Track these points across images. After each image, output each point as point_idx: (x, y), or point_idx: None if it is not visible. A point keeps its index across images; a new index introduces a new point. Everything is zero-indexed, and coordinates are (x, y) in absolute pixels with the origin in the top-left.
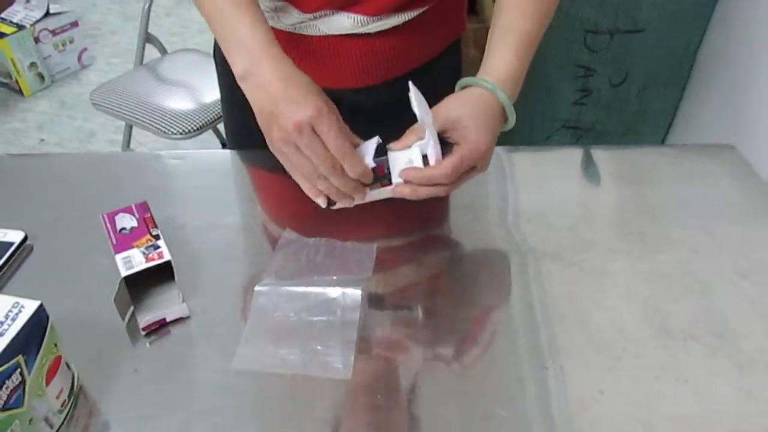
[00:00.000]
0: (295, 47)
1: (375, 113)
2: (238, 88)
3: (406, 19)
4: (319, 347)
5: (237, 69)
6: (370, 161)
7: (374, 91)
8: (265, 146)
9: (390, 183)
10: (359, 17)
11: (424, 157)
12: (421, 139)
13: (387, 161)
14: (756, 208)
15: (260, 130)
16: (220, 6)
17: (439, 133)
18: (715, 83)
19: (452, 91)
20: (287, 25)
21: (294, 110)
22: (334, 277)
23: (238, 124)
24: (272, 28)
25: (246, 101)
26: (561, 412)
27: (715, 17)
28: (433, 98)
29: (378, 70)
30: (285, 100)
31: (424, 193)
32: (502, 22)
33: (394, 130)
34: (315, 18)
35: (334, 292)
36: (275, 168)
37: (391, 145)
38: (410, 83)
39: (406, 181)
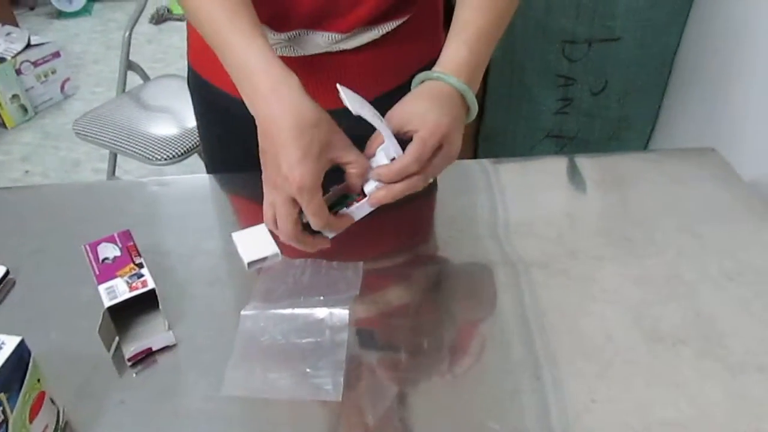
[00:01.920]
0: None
1: (351, 135)
2: (214, 117)
3: (380, 34)
4: (308, 370)
5: (242, 94)
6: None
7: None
8: (244, 171)
9: (364, 196)
10: (332, 35)
11: (392, 160)
12: (382, 143)
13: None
14: (739, 209)
15: (239, 157)
16: (217, 30)
17: (400, 131)
18: (694, 87)
19: None
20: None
21: (296, 173)
22: (321, 298)
23: (216, 153)
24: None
25: (223, 129)
26: (554, 423)
27: (690, 23)
28: None
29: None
30: (272, 157)
31: (399, 189)
32: (457, 20)
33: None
34: (289, 39)
35: (322, 312)
36: (257, 192)
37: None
38: (338, 85)
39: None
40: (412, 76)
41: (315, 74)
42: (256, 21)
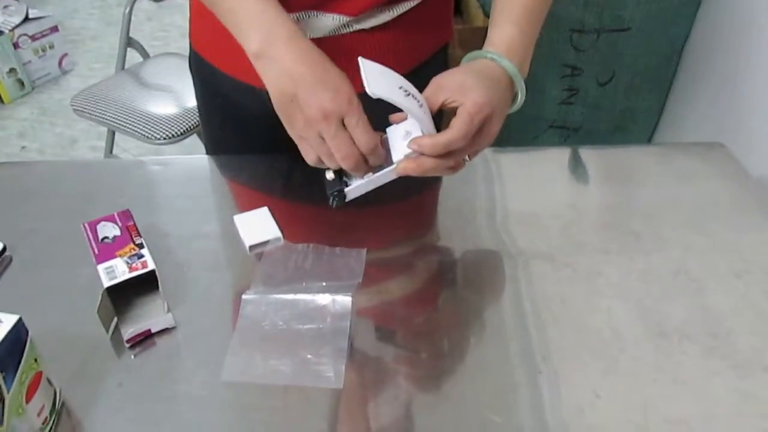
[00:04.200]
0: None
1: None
2: (214, 98)
3: (393, 16)
4: (309, 356)
5: (250, 47)
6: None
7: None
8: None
9: (391, 162)
10: (341, 17)
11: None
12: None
13: (387, 140)
14: (747, 206)
15: (239, 141)
16: None
17: (443, 101)
18: (702, 81)
19: None
20: None
21: (322, 98)
22: (323, 284)
23: (217, 135)
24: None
25: (224, 113)
26: (557, 417)
27: (701, 14)
28: None
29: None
30: (311, 86)
31: (431, 165)
32: (499, 2)
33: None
34: (298, 20)
35: (324, 299)
36: (257, 175)
37: (391, 118)
38: (360, 58)
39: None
40: (425, 61)
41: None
42: None
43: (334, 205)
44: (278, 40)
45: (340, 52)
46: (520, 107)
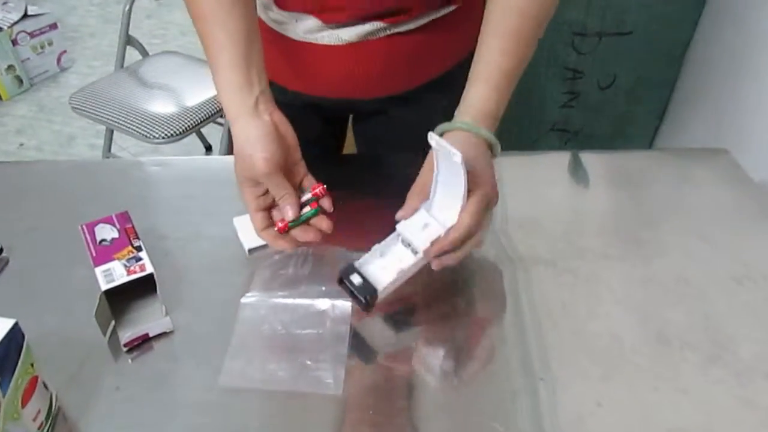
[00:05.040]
0: (279, 49)
1: (367, 125)
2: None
3: (424, 21)
4: (308, 362)
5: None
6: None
7: (373, 104)
8: None
9: (416, 252)
10: (378, 23)
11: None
12: (426, 199)
13: (400, 237)
14: (750, 212)
15: None
16: (206, 45)
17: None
18: (704, 86)
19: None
20: (271, 20)
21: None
22: (323, 288)
23: None
24: (260, 22)
25: None
26: (557, 425)
27: (703, 19)
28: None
29: (366, 85)
30: (240, 168)
31: (461, 254)
32: (481, 59)
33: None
34: (293, 17)
35: (323, 303)
36: None
37: (398, 216)
38: (430, 134)
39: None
40: (456, 65)
41: (362, 60)
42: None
43: (367, 307)
44: (237, 118)
45: (375, 54)
46: (522, 110)
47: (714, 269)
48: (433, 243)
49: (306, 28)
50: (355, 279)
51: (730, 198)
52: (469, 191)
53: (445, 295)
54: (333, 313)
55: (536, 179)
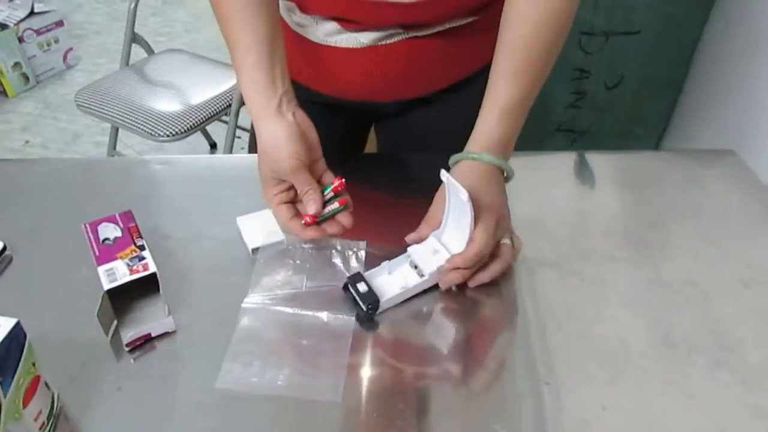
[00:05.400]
0: (301, 50)
1: (388, 127)
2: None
3: (443, 27)
4: (308, 369)
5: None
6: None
7: (394, 106)
8: None
9: (422, 275)
10: (398, 28)
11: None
12: (436, 228)
13: (410, 259)
14: (758, 214)
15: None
16: (231, 46)
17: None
18: (712, 86)
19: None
20: (294, 23)
21: (263, 169)
22: (325, 298)
23: None
24: (283, 24)
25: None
26: (562, 430)
27: (712, 18)
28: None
29: (385, 87)
30: (264, 166)
31: (466, 274)
32: (489, 90)
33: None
34: (314, 20)
35: (326, 316)
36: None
37: (408, 239)
38: (442, 171)
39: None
40: (476, 70)
41: (380, 62)
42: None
43: (367, 316)
44: (261, 118)
45: (394, 57)
46: (530, 109)
47: (721, 272)
48: (439, 268)
49: (326, 31)
50: (362, 287)
51: (737, 200)
52: (477, 218)
53: (447, 296)
54: (335, 324)
55: (542, 180)
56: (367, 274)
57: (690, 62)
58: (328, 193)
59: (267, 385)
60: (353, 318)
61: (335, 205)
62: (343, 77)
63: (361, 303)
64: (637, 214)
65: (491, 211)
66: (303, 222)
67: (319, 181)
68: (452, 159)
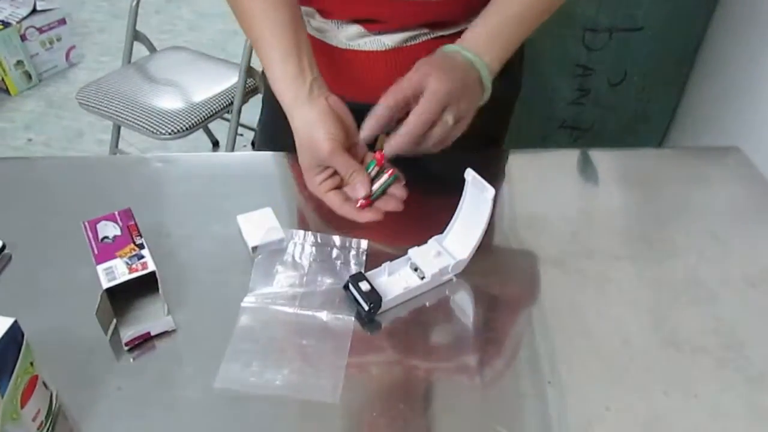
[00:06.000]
0: (320, 55)
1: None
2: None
3: (467, 25)
4: (307, 369)
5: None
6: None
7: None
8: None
9: (424, 277)
10: (424, 28)
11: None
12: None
13: (410, 261)
14: (763, 211)
15: (284, 136)
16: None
17: (406, 95)
18: (717, 82)
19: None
20: (312, 28)
21: (303, 158)
22: (323, 286)
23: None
24: None
25: (281, 111)
26: (565, 429)
27: (717, 14)
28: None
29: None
30: (303, 155)
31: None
32: (492, 4)
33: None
34: (336, 25)
35: (326, 316)
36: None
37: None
38: (468, 170)
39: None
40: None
41: (404, 64)
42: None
43: (369, 315)
44: (294, 107)
45: (418, 58)
46: (531, 106)
47: (726, 270)
48: (441, 270)
49: (348, 35)
50: (364, 286)
51: (742, 197)
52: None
53: (449, 294)
54: (335, 325)
55: (545, 177)
56: (368, 274)
57: (694, 59)
58: (373, 169)
59: (265, 384)
60: (353, 318)
61: (384, 177)
62: (364, 81)
63: (363, 302)
64: (641, 211)
65: (436, 88)
66: (358, 206)
67: (361, 163)
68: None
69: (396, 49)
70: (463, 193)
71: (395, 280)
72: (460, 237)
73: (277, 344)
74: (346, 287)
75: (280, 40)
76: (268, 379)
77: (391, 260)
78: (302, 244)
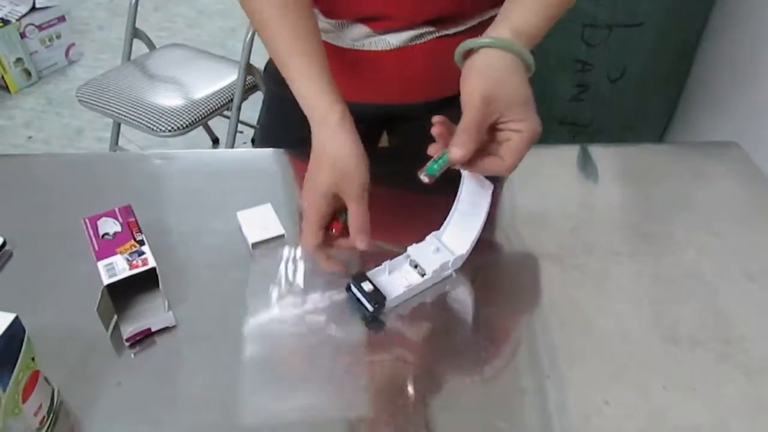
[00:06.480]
0: (326, 56)
1: (417, 132)
2: (281, 94)
3: (472, 23)
4: (325, 388)
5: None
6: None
7: (415, 110)
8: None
9: (425, 273)
10: (428, 27)
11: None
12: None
13: (409, 259)
14: (762, 207)
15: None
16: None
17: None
18: (716, 78)
19: None
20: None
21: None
22: (327, 301)
23: (271, 121)
24: None
25: (282, 108)
26: (564, 424)
27: (716, 10)
28: None
29: (413, 89)
30: (326, 177)
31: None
32: None
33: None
34: (341, 25)
35: (334, 330)
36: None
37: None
38: (463, 171)
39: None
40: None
41: (409, 63)
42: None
43: (373, 315)
44: (325, 124)
45: (423, 56)
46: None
47: (725, 265)
48: (442, 265)
49: (354, 36)
50: (366, 286)
51: (741, 192)
52: (518, 131)
53: (449, 290)
54: (340, 336)
55: (544, 173)
56: (369, 273)
57: (693, 54)
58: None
59: (281, 414)
60: (359, 319)
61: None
62: (369, 81)
63: (367, 303)
64: (640, 207)
65: (530, 120)
66: (333, 232)
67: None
68: (461, 46)
69: (401, 49)
70: (460, 188)
71: (396, 278)
72: (458, 232)
73: (287, 369)
74: (348, 288)
75: (302, 51)
76: (285, 407)
77: (390, 258)
78: (294, 261)
